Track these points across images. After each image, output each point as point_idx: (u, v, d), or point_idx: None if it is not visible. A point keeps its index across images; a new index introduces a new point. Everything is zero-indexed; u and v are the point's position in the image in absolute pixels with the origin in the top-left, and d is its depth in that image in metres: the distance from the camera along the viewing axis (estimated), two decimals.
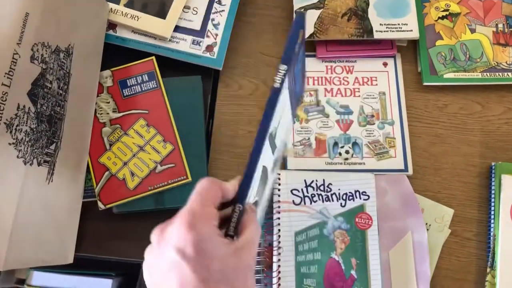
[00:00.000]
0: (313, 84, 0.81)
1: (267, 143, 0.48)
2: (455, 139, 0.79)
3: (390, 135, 0.78)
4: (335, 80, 0.81)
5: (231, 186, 0.45)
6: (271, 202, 0.72)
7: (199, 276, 0.39)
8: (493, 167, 0.76)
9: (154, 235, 0.42)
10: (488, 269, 0.72)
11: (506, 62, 0.82)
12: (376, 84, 0.81)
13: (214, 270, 0.40)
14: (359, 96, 0.81)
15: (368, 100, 0.80)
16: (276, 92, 0.47)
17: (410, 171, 0.76)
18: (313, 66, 0.82)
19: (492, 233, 0.73)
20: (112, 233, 0.74)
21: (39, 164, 0.61)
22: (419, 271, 0.71)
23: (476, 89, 0.82)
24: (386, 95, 0.80)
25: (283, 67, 0.48)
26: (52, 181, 0.64)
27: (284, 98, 0.52)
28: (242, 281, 0.41)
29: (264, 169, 0.52)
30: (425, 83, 0.81)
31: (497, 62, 0.82)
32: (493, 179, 0.76)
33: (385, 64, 0.82)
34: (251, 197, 0.47)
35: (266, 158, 0.51)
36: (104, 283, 0.70)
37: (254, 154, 0.46)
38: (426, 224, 0.74)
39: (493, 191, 0.75)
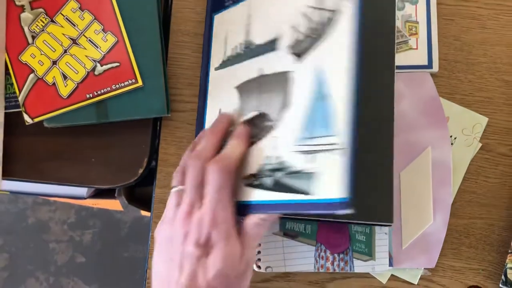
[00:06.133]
0: None
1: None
2: (500, 22, 0.60)
3: (411, 19, 0.59)
4: None
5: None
6: None
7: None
8: None
9: (170, 211, 0.44)
10: None
11: None
12: None
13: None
14: None
15: None
16: None
17: (435, 68, 0.59)
18: None
19: None
20: (47, 153, 0.59)
21: None
22: (438, 197, 0.57)
23: None
24: None
25: None
26: None
27: None
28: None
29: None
30: None
31: None
32: None
33: None
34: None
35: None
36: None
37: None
38: (451, 137, 0.59)
39: None
